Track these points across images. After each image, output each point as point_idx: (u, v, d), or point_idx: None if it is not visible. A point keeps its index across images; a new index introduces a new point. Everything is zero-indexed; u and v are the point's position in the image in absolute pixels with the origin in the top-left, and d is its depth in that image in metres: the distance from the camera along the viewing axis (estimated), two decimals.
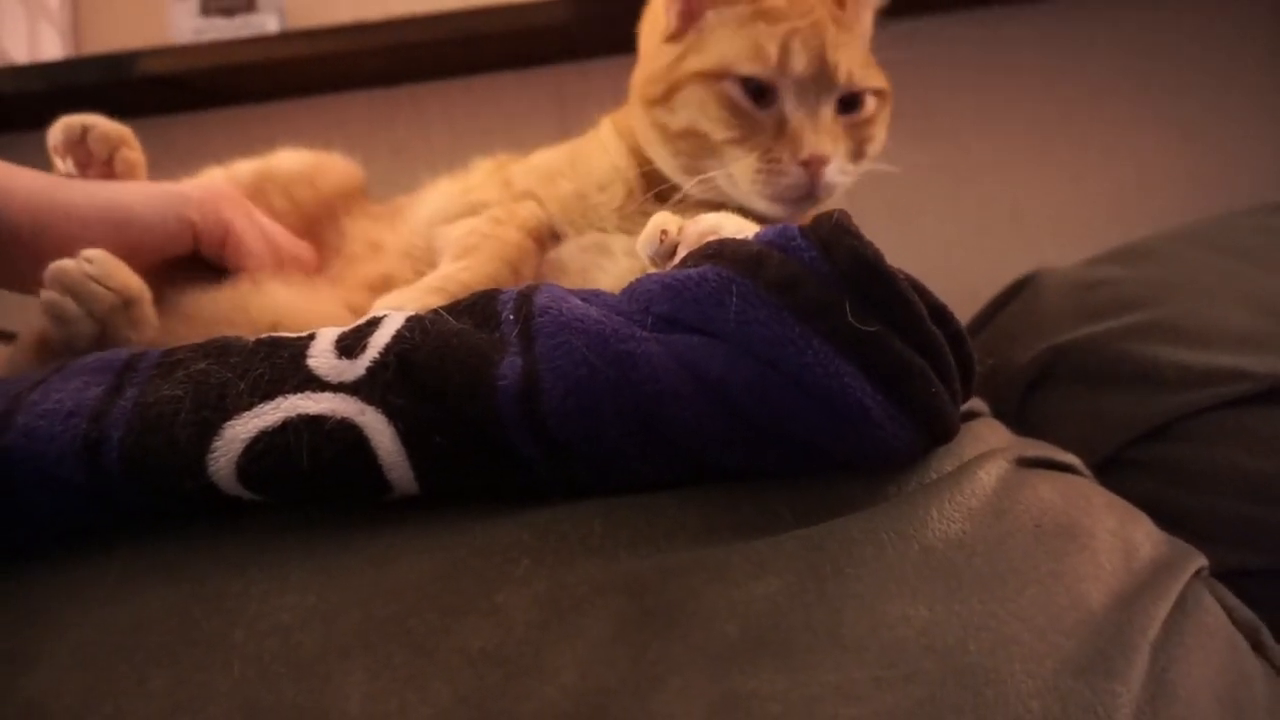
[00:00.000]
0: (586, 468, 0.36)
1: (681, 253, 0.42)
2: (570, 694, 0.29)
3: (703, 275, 0.35)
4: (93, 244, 0.49)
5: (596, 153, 0.63)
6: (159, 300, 0.55)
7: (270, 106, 1.01)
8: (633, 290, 0.39)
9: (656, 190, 0.60)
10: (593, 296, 0.39)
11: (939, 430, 0.37)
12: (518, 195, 0.62)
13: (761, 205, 0.57)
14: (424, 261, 0.61)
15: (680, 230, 0.44)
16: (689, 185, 0.59)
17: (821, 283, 0.34)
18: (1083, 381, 0.67)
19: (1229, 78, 1.06)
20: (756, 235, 0.37)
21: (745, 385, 0.34)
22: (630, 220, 0.58)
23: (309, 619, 0.33)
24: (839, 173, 0.57)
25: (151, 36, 1.03)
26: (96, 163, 0.60)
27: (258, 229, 0.63)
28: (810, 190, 0.56)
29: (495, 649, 0.30)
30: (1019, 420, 0.69)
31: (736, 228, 0.41)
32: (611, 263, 0.55)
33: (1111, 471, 0.62)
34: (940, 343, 0.35)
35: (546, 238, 0.60)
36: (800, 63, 0.56)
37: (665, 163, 0.60)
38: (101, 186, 0.56)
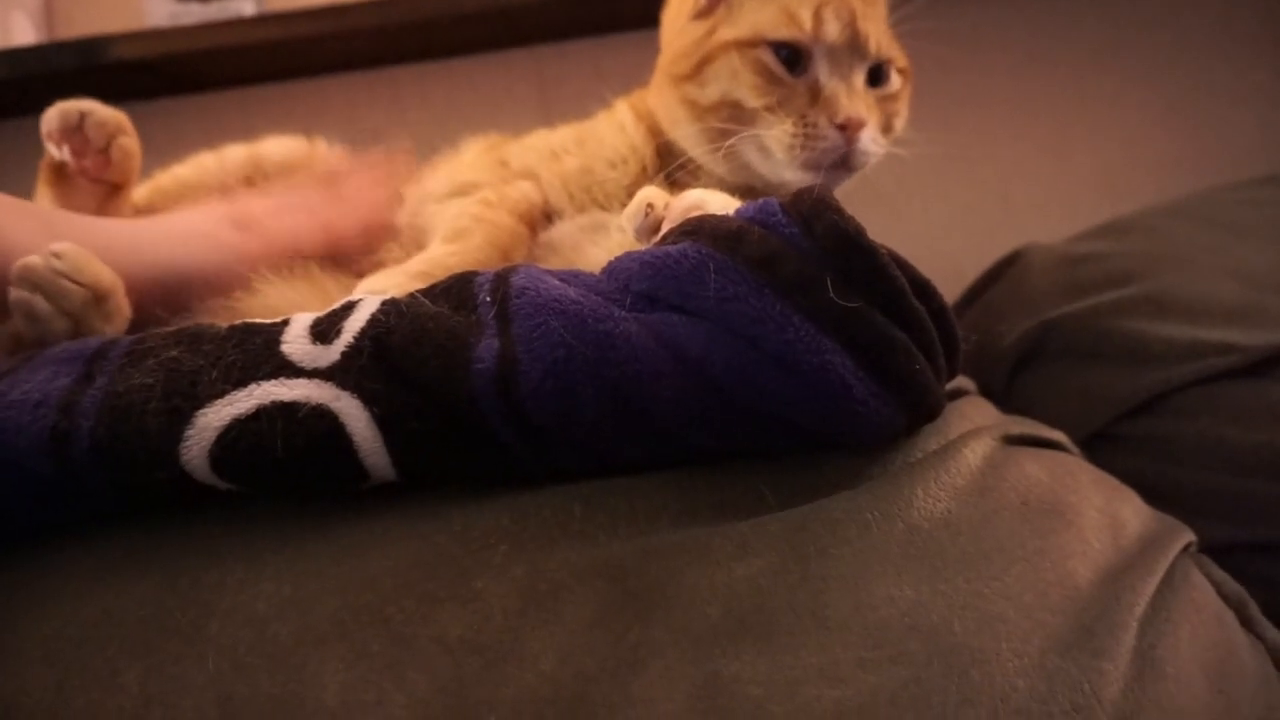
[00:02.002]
0: (565, 450, 0.35)
1: (666, 228, 0.41)
2: (550, 680, 0.29)
3: (682, 252, 0.35)
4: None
5: (611, 131, 0.62)
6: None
7: (246, 91, 0.99)
8: (612, 269, 0.38)
9: (670, 169, 0.59)
10: (571, 277, 0.39)
11: (923, 407, 0.36)
12: (514, 175, 0.61)
13: (794, 175, 0.56)
14: (414, 244, 0.60)
15: (666, 205, 0.43)
16: (713, 161, 0.58)
17: (802, 258, 0.33)
18: (1071, 357, 0.66)
19: (1214, 53, 1.05)
20: (737, 211, 0.36)
21: (726, 364, 0.33)
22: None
23: (285, 608, 0.32)
24: (873, 141, 0.56)
25: (125, 22, 1.02)
26: (93, 150, 0.58)
27: (301, 215, 0.61)
28: (846, 155, 0.55)
29: (474, 636, 0.30)
30: (1006, 398, 0.69)
31: (721, 204, 0.41)
32: (605, 238, 0.54)
33: (1099, 447, 0.62)
34: (923, 318, 0.34)
35: (538, 220, 0.59)
36: (833, 30, 0.56)
37: (692, 140, 0.59)
38: (143, 238, 0.54)
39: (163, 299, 0.52)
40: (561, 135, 0.63)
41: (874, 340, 0.33)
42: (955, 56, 0.99)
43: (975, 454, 0.39)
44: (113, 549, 0.35)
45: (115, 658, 0.31)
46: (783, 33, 0.56)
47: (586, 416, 0.34)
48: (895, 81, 0.60)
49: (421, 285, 0.48)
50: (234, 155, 0.69)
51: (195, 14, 1.01)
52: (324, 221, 0.61)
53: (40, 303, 0.45)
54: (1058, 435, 0.47)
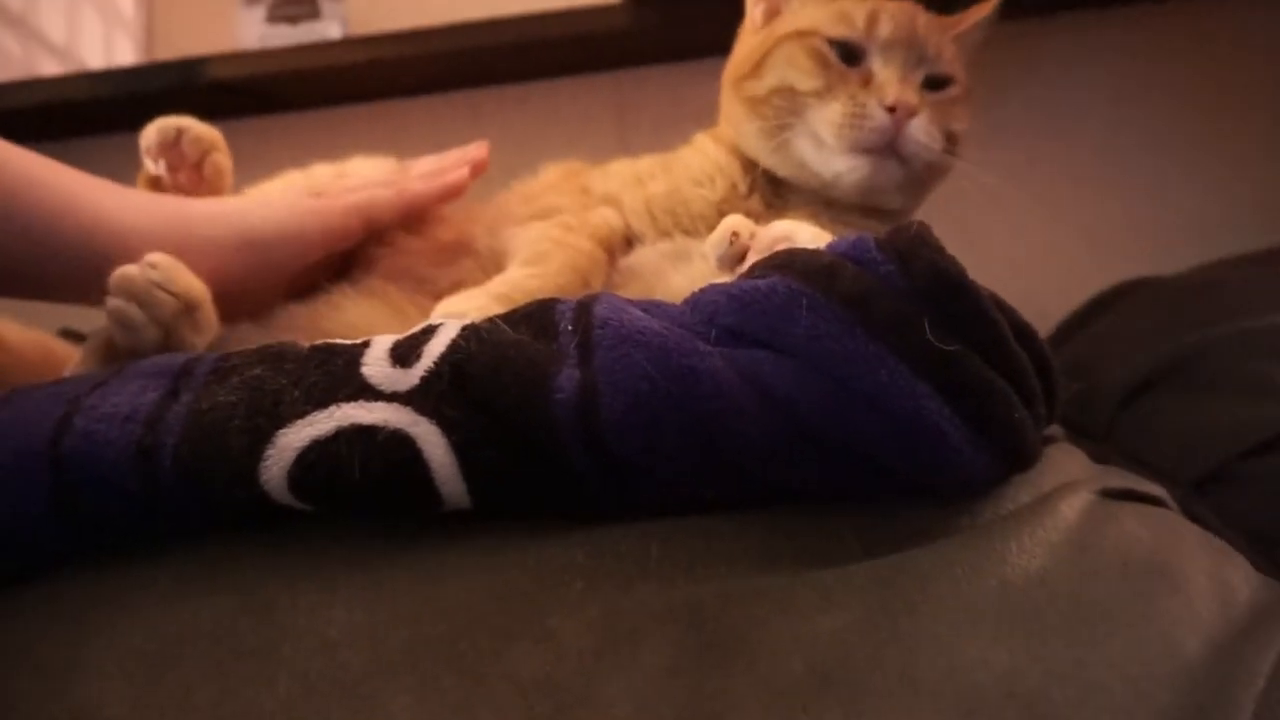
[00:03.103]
0: (644, 485, 0.34)
1: (751, 258, 0.40)
2: None
3: (771, 287, 0.34)
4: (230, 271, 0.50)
5: (695, 155, 0.63)
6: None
7: (331, 112, 1.02)
8: (696, 301, 0.37)
9: (759, 187, 0.60)
10: (653, 307, 0.38)
11: (1020, 457, 0.34)
12: (596, 201, 0.61)
13: (843, 161, 0.56)
14: (492, 265, 0.60)
15: (752, 234, 0.42)
16: (774, 159, 0.59)
17: (898, 298, 0.32)
18: (1185, 392, 0.62)
19: None
20: (829, 246, 0.35)
21: (814, 404, 0.32)
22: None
23: (356, 636, 0.32)
24: (925, 133, 0.55)
25: (220, 43, 1.05)
26: (187, 166, 0.60)
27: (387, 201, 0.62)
28: (894, 139, 0.55)
29: (546, 677, 0.29)
30: (1109, 437, 0.65)
31: (811, 236, 0.40)
32: (688, 265, 0.53)
33: (1215, 488, 0.58)
34: (1025, 364, 0.32)
35: (618, 247, 0.59)
36: (887, 29, 0.57)
37: (753, 140, 0.60)
38: (224, 208, 0.56)
39: (246, 267, 0.54)
40: (646, 162, 0.63)
41: (972, 386, 0.31)
42: (1041, 88, 0.97)
43: (1072, 508, 0.37)
44: (190, 565, 0.35)
45: (189, 676, 0.31)
46: (835, 30, 0.58)
47: (667, 451, 0.33)
48: (956, 91, 0.59)
49: (501, 308, 0.48)
50: (322, 174, 0.70)
51: (284, 36, 1.05)
52: (399, 188, 0.62)
53: (135, 311, 0.46)
54: (1157, 490, 0.45)
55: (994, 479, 0.35)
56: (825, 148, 0.57)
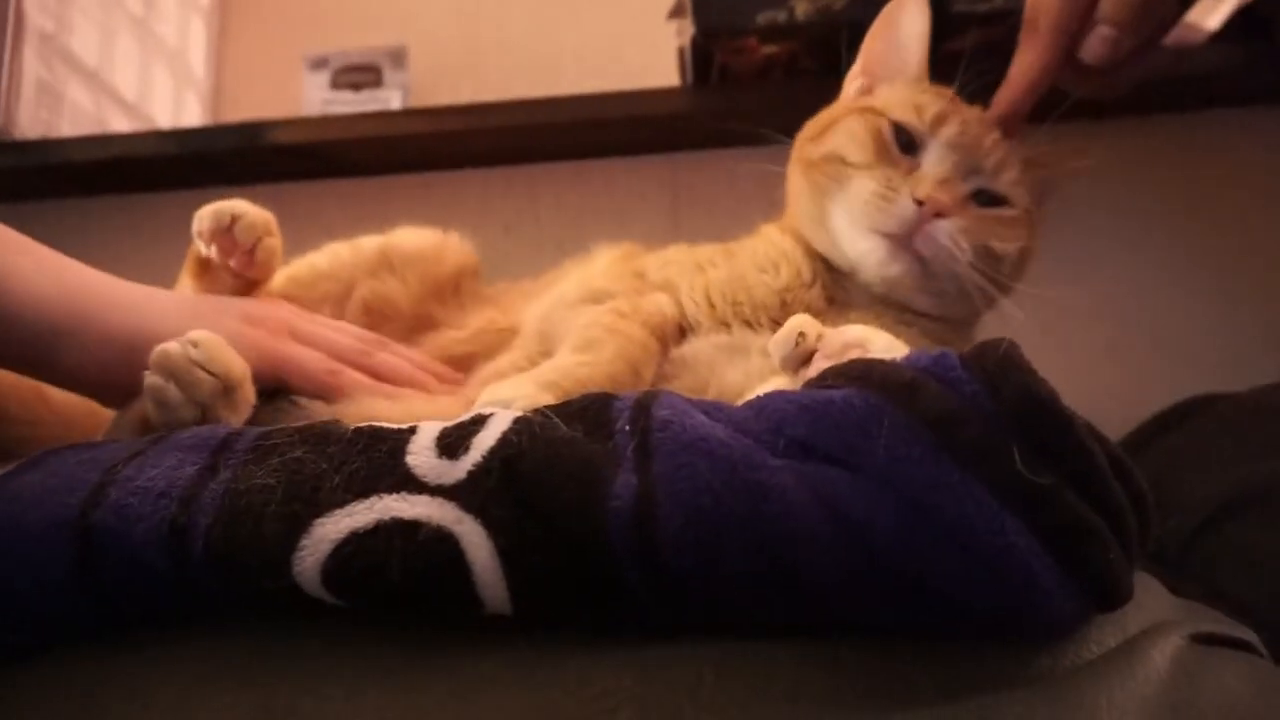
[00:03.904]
0: (700, 605, 0.32)
1: (818, 363, 0.38)
2: None
3: (847, 399, 0.32)
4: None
5: (759, 242, 0.62)
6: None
7: (388, 180, 1.03)
8: (762, 407, 0.35)
9: (821, 277, 0.59)
10: (716, 410, 0.36)
11: (1112, 600, 0.32)
12: (650, 287, 0.59)
13: (863, 241, 0.56)
14: (539, 349, 0.59)
15: (819, 337, 0.40)
16: (813, 226, 0.59)
17: (986, 422, 0.30)
18: (1269, 522, 0.58)
19: None
20: (908, 359, 0.33)
21: (891, 531, 0.30)
22: (789, 312, 0.54)
23: None
24: (949, 237, 0.53)
25: (284, 106, 1.08)
26: (240, 252, 0.60)
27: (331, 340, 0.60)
28: (914, 232, 0.53)
29: None
30: (1182, 563, 0.61)
31: (885, 345, 0.38)
32: (744, 360, 0.51)
33: None
34: (1122, 502, 0.30)
35: (671, 336, 0.57)
36: (952, 130, 0.57)
37: (802, 203, 0.60)
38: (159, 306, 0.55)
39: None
40: (707, 250, 0.62)
41: (1066, 524, 0.29)
42: (1107, 189, 0.95)
43: (1163, 656, 0.34)
44: (211, 658, 0.33)
45: None
46: (904, 115, 0.57)
47: (728, 571, 0.31)
48: (1008, 212, 0.58)
49: (550, 397, 0.47)
50: (368, 246, 0.70)
51: (347, 102, 1.07)
52: (332, 370, 0.58)
53: (173, 390, 0.45)
54: (1247, 634, 0.41)
55: (1080, 624, 0.32)
56: (853, 225, 0.56)
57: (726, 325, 0.56)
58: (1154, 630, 0.35)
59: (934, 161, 0.56)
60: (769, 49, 0.87)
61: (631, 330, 0.53)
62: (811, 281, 0.58)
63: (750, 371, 0.50)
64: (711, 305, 0.57)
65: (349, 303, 0.68)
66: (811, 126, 0.63)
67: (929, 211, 0.53)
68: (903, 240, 0.54)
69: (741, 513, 0.30)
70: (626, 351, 0.51)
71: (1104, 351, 0.92)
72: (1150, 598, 0.40)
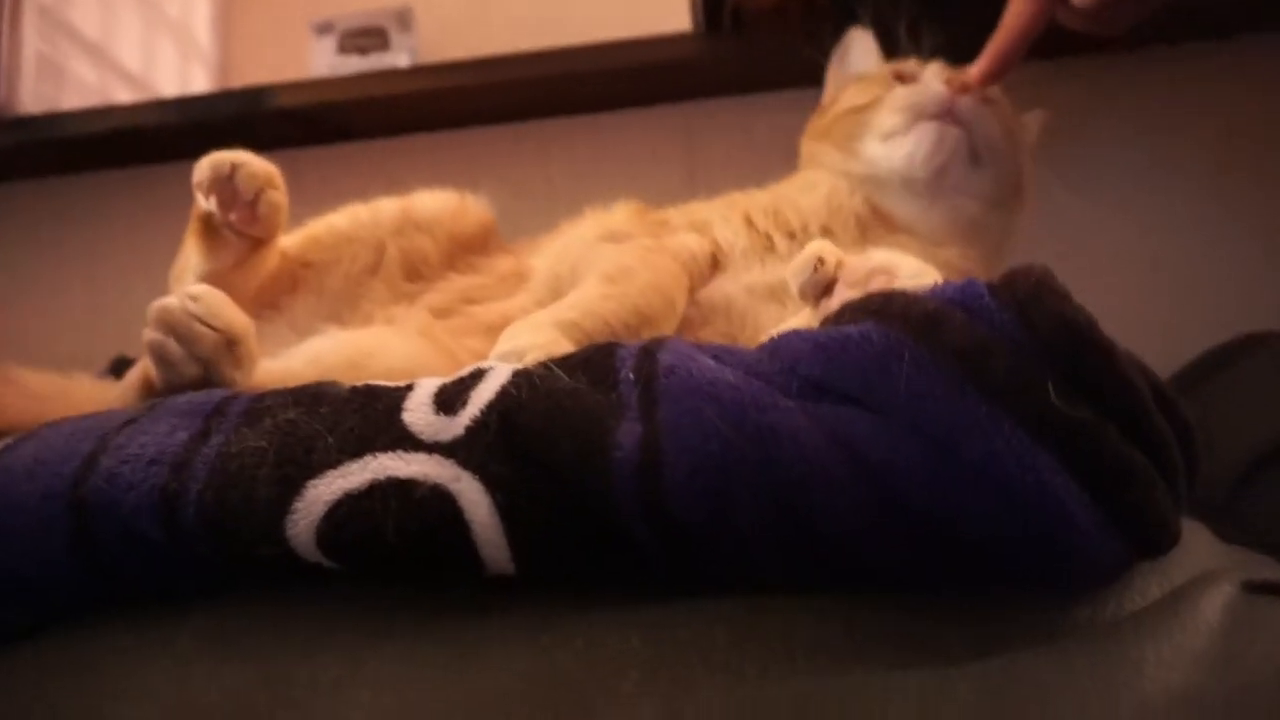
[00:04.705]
0: (711, 559, 0.30)
1: (840, 292, 0.35)
2: None
3: (865, 335, 0.29)
4: None
5: (795, 176, 0.66)
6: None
7: (398, 141, 1.01)
8: (775, 347, 0.33)
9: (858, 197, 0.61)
10: (726, 354, 0.34)
11: (1157, 544, 0.29)
12: (676, 231, 0.58)
13: (909, 138, 0.59)
14: (551, 294, 0.57)
15: (839, 263, 0.37)
16: (845, 169, 0.62)
17: (1017, 353, 0.27)
18: None
19: None
20: (934, 289, 0.30)
21: (914, 473, 0.28)
22: (834, 230, 0.57)
23: None
24: (978, 106, 0.59)
25: (292, 74, 1.05)
26: (241, 203, 0.57)
27: None
28: (952, 106, 0.58)
29: None
30: (1229, 512, 0.58)
31: (913, 271, 0.35)
32: (780, 311, 0.49)
33: None
34: (1168, 438, 0.27)
35: (699, 276, 0.55)
36: (936, 66, 0.64)
37: (829, 159, 0.63)
38: None
39: None
40: (739, 194, 0.62)
41: (1106, 461, 0.26)
42: (1137, 126, 0.90)
43: (1213, 607, 0.31)
44: (205, 628, 0.32)
45: None
46: (893, 70, 0.65)
47: (739, 522, 0.29)
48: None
49: (569, 341, 0.44)
50: (387, 209, 0.68)
51: (354, 66, 1.05)
52: None
53: (172, 346, 0.44)
54: None
55: (1122, 569, 0.30)
56: (892, 136, 0.59)
57: (768, 247, 0.53)
58: (1202, 579, 0.33)
59: (933, 74, 0.62)
60: None
61: (662, 261, 0.51)
62: (850, 193, 0.59)
63: (785, 318, 0.47)
64: (750, 224, 0.56)
65: (383, 262, 0.66)
66: (812, 125, 0.68)
67: (955, 87, 0.59)
68: (943, 116, 0.58)
69: (752, 458, 0.28)
70: (659, 281, 0.49)
71: (1144, 291, 0.88)
72: (1197, 544, 0.38)
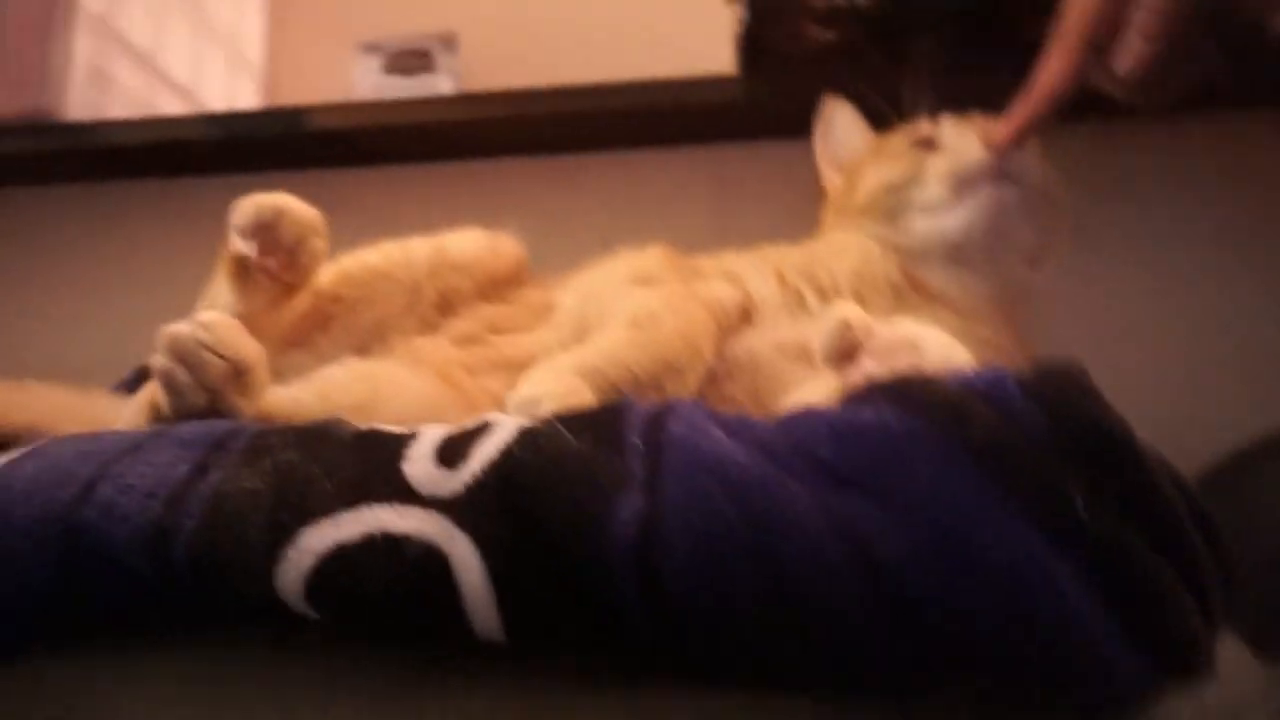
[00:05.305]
0: (704, 643, 0.29)
1: (865, 363, 0.34)
2: None
3: (884, 423, 0.28)
4: None
5: (830, 235, 0.65)
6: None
7: (431, 167, 1.01)
8: (791, 425, 0.32)
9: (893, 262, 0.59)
10: (739, 427, 0.32)
11: (1185, 667, 0.27)
12: (708, 278, 0.57)
13: (955, 209, 0.57)
14: (574, 337, 0.56)
15: (868, 331, 0.36)
16: (891, 241, 0.60)
17: (1043, 456, 0.26)
18: None
19: None
20: (960, 377, 0.29)
21: (925, 575, 0.26)
22: (867, 294, 0.56)
23: None
24: (1022, 162, 0.58)
25: (338, 91, 1.06)
26: (282, 250, 0.54)
27: None
28: (999, 165, 0.56)
29: None
30: (1257, 626, 0.55)
31: (939, 347, 0.34)
32: (808, 371, 0.47)
33: None
34: (1201, 556, 0.26)
35: (732, 325, 0.53)
36: (949, 123, 0.62)
37: (872, 231, 0.61)
38: None
39: None
40: (774, 249, 0.61)
41: (1134, 578, 0.25)
42: (1190, 193, 0.88)
43: None
44: (188, 673, 0.32)
45: None
46: (914, 136, 0.63)
47: (735, 606, 0.28)
48: None
49: (591, 389, 0.43)
50: (420, 251, 0.66)
51: (398, 87, 1.05)
52: None
53: (181, 374, 0.43)
54: None
55: (1147, 693, 0.28)
56: (939, 208, 0.58)
57: (799, 304, 0.52)
58: (1239, 708, 0.31)
59: (955, 135, 0.60)
60: (827, 35, 0.82)
61: (691, 308, 0.50)
62: (883, 269, 0.57)
63: (821, 398, 0.46)
64: (783, 280, 0.55)
65: (418, 301, 0.64)
66: (839, 205, 0.67)
67: (1000, 148, 0.57)
68: (997, 177, 0.57)
69: (754, 543, 0.27)
70: (687, 330, 0.48)
71: (1183, 373, 0.85)
72: (1234, 667, 0.36)
